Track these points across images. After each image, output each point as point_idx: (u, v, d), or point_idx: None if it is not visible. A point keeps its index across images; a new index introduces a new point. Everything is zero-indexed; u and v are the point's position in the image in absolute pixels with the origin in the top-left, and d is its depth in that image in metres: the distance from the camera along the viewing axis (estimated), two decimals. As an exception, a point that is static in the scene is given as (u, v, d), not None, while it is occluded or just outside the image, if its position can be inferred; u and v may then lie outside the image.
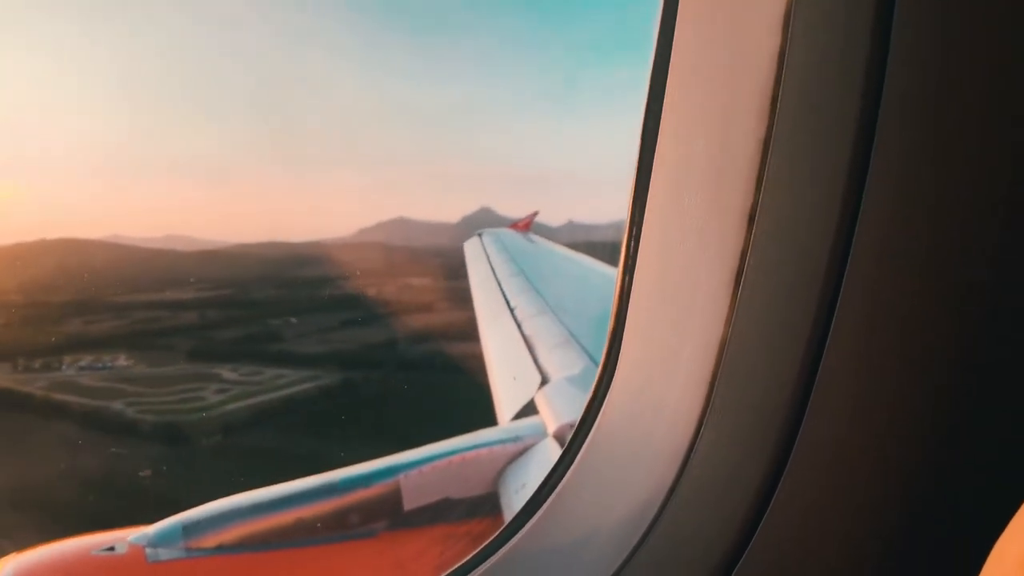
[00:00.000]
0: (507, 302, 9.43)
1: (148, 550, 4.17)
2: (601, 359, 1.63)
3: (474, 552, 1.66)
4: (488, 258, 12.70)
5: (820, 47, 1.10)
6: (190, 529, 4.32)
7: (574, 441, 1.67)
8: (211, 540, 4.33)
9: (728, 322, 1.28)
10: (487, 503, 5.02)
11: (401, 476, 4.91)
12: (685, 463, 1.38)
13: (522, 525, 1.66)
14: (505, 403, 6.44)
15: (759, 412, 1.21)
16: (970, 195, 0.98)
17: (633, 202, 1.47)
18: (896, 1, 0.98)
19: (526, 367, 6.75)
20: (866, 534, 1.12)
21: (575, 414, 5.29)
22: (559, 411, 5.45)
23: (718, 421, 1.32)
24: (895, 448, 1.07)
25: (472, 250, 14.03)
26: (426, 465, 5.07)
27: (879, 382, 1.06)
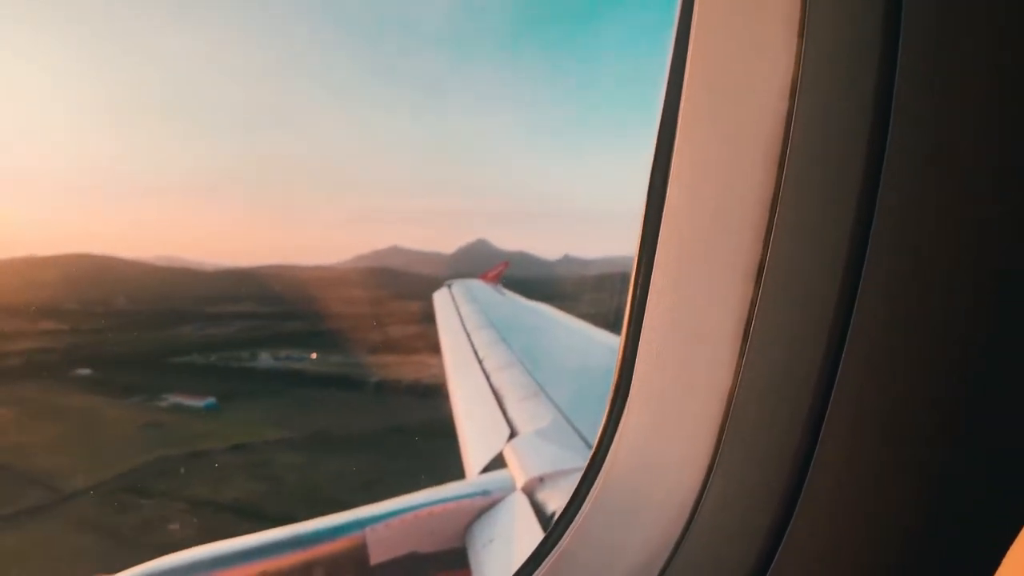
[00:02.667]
0: (476, 353, 9.41)
1: (104, 605, 4.03)
2: (606, 408, 1.61)
3: None
4: (457, 309, 12.71)
5: (825, 104, 1.13)
6: (150, 582, 4.19)
7: (576, 494, 1.64)
8: (171, 594, 4.20)
9: (736, 373, 1.30)
10: (455, 558, 4.94)
11: (368, 529, 4.83)
12: (692, 516, 1.39)
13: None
14: (473, 455, 6.40)
15: (767, 462, 1.21)
16: (971, 254, 0.99)
17: (640, 250, 1.47)
18: (900, 43, 1.00)
19: (495, 419, 6.73)
20: (878, 571, 1.12)
21: (544, 467, 5.29)
22: (528, 464, 5.42)
23: (726, 472, 1.33)
24: (901, 499, 1.08)
25: (441, 300, 14.03)
26: (393, 518, 4.99)
27: (885, 432, 1.08)
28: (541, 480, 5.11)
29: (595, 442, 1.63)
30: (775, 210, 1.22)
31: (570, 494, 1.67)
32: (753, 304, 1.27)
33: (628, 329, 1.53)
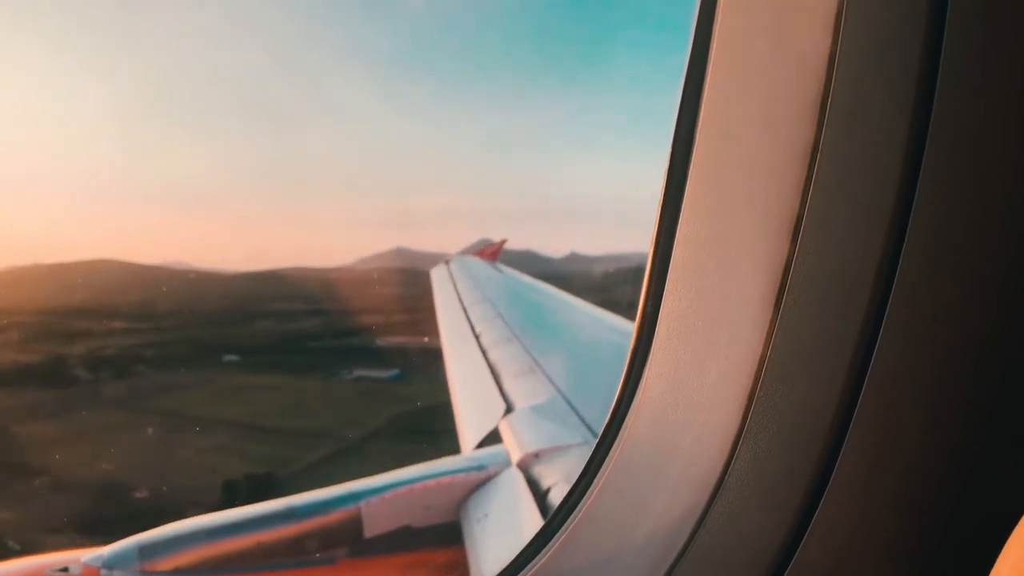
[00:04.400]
0: (472, 329, 9.42)
1: (102, 571, 4.07)
2: (624, 370, 1.50)
3: (477, 568, 1.58)
4: (455, 285, 12.70)
5: (871, 50, 1.04)
6: (146, 551, 4.23)
7: (593, 460, 1.54)
8: (167, 563, 4.24)
9: (768, 339, 1.20)
10: (449, 531, 4.98)
11: (363, 503, 4.86)
12: (719, 486, 1.30)
13: (536, 553, 1.55)
14: (468, 430, 6.43)
15: (799, 435, 1.14)
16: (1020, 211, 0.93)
17: (662, 211, 1.35)
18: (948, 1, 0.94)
19: (491, 395, 6.75)
20: (907, 559, 1.08)
21: (539, 443, 5.32)
22: (523, 440, 5.45)
23: (755, 443, 1.24)
24: (943, 476, 1.03)
25: (439, 277, 14.01)
26: (388, 492, 5.02)
27: (927, 405, 1.01)
28: (536, 456, 5.14)
29: (612, 404, 1.52)
30: (814, 162, 1.12)
31: (583, 463, 1.58)
32: (789, 264, 1.16)
33: (649, 286, 1.40)
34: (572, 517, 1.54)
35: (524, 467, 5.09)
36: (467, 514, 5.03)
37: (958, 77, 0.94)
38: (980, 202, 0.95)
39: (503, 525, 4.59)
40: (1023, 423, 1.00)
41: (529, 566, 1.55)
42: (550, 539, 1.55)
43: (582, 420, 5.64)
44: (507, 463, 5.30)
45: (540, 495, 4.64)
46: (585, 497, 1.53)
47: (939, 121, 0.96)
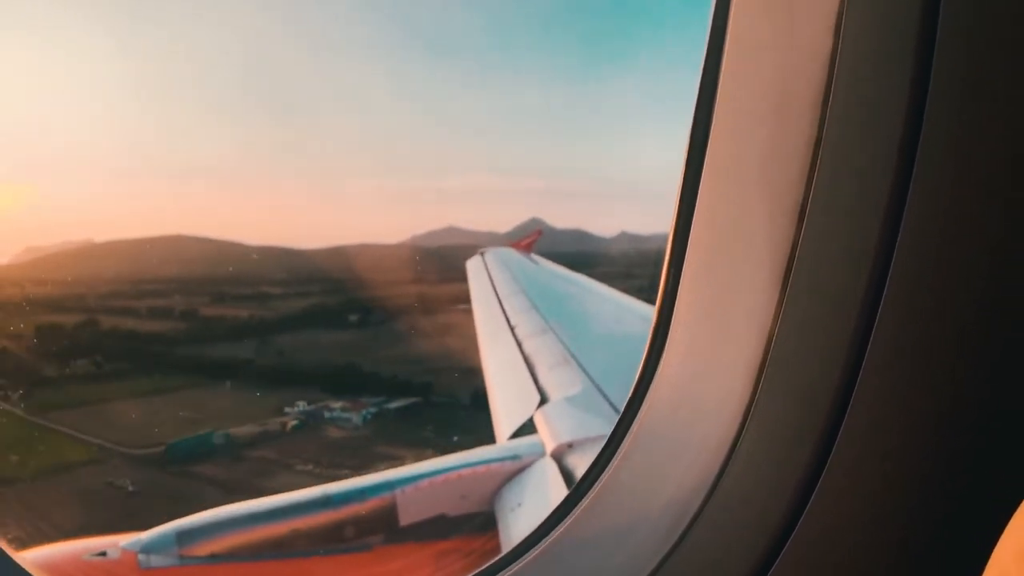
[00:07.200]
0: (508, 321, 9.43)
1: (140, 556, 4.14)
2: (644, 352, 1.60)
3: (509, 549, 1.63)
4: (490, 277, 12.72)
5: (869, 49, 1.12)
6: (183, 537, 4.29)
7: (615, 434, 1.65)
8: (204, 549, 4.30)
9: (776, 316, 1.29)
10: (483, 520, 4.99)
11: (398, 491, 4.89)
12: (729, 457, 1.39)
13: (559, 522, 1.63)
14: (503, 420, 6.43)
15: (805, 405, 1.22)
16: (1019, 192, 0.99)
17: (681, 196, 1.46)
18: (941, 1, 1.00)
19: (526, 385, 6.74)
20: (908, 528, 1.13)
21: (574, 433, 5.29)
22: (558, 430, 5.43)
23: (764, 412, 1.32)
24: (938, 443, 1.09)
25: (474, 268, 14.04)
26: (423, 481, 5.04)
27: (922, 377, 1.08)
28: (570, 446, 5.12)
29: (635, 380, 1.62)
30: (818, 150, 1.20)
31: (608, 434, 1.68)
32: (795, 246, 1.25)
33: (668, 268, 1.50)
34: (597, 484, 1.63)
35: (558, 457, 5.08)
36: (501, 503, 5.03)
37: (951, 73, 1.01)
38: (972, 190, 1.02)
39: (537, 514, 4.58)
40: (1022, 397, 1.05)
41: (555, 530, 1.62)
42: (575, 505, 1.64)
43: (615, 410, 5.60)
44: (541, 453, 5.29)
45: (573, 484, 4.62)
46: (609, 465, 1.63)
47: (933, 113, 1.02)
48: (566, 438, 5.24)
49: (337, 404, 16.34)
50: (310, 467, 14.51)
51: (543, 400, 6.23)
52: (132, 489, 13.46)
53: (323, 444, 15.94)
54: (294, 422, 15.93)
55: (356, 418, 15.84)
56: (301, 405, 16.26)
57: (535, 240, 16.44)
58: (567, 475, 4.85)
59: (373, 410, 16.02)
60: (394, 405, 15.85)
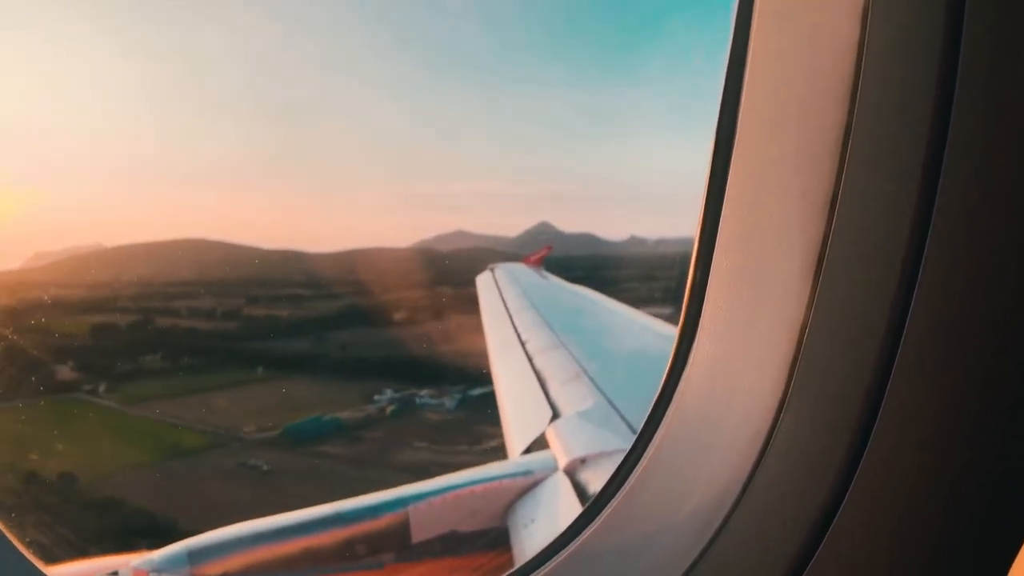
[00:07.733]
0: (519, 336, 9.40)
1: (152, 575, 4.12)
2: (673, 345, 1.58)
3: (541, 549, 1.61)
4: (500, 292, 12.71)
5: (896, 40, 1.11)
6: (195, 556, 4.27)
7: (645, 431, 1.62)
8: (216, 567, 4.28)
9: (808, 308, 1.28)
10: (496, 537, 4.95)
11: (410, 507, 4.86)
12: (763, 453, 1.37)
13: (589, 522, 1.62)
14: (515, 436, 6.39)
15: (839, 399, 1.21)
16: None
17: (708, 194, 1.44)
18: None
19: (537, 401, 6.71)
20: (945, 521, 1.13)
21: (586, 449, 5.25)
22: (570, 445, 5.40)
23: (798, 408, 1.31)
24: (974, 433, 1.08)
25: (484, 283, 14.04)
26: (435, 497, 5.02)
27: (957, 368, 1.07)
28: (583, 461, 5.08)
29: (663, 377, 1.60)
30: (847, 144, 1.19)
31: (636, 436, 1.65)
32: (826, 238, 1.24)
33: (696, 266, 1.49)
34: (624, 487, 1.60)
35: (571, 472, 5.04)
36: (514, 519, 4.99)
37: (979, 64, 1.00)
38: (1002, 180, 1.01)
39: (551, 530, 4.54)
40: None
41: (582, 535, 1.61)
42: (603, 508, 1.62)
43: (628, 425, 5.57)
44: (554, 468, 5.25)
45: (587, 500, 4.58)
46: (637, 467, 1.60)
47: (961, 103, 1.02)
48: (579, 453, 5.20)
49: (423, 392, 16.87)
50: (426, 444, 15.13)
51: (555, 415, 6.20)
52: (266, 468, 14.24)
53: (427, 426, 16.35)
54: (392, 407, 16.55)
55: (449, 402, 16.35)
56: (389, 392, 16.79)
57: (545, 255, 16.44)
58: (580, 490, 4.81)
59: (459, 396, 16.43)
60: (476, 392, 16.17)
